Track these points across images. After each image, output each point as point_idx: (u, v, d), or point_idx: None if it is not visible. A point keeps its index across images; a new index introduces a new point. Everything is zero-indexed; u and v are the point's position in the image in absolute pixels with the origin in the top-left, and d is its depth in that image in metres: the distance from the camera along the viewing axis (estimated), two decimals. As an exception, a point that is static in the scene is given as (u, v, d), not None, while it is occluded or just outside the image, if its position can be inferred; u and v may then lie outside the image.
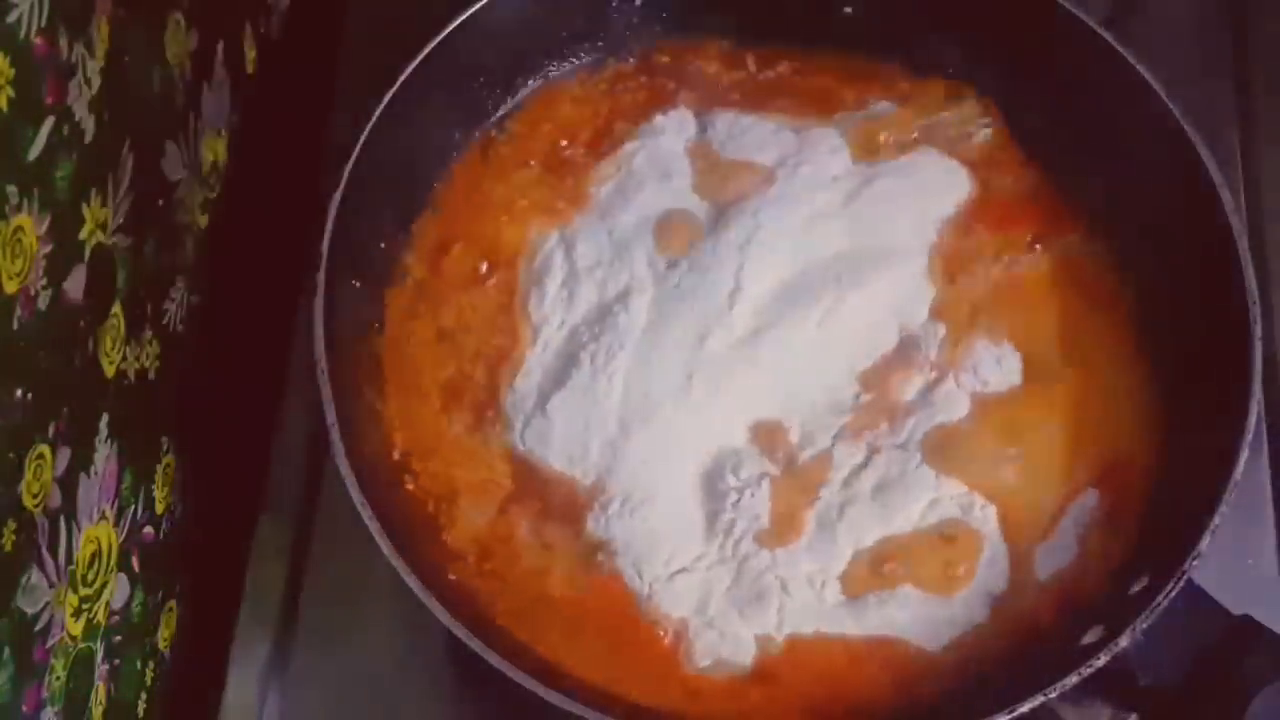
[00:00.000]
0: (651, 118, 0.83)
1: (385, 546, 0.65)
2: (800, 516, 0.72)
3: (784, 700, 0.69)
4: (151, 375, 0.74)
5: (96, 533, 0.68)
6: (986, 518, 0.72)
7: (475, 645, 0.64)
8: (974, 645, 0.70)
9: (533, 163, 0.82)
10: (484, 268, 0.79)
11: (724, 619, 0.70)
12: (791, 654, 0.70)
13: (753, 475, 0.73)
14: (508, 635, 0.69)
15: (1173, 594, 0.63)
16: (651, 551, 0.71)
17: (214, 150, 0.83)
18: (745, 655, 0.70)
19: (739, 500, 0.72)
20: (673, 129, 0.83)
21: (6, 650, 0.59)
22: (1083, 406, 0.74)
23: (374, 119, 0.74)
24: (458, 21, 0.77)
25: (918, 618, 0.70)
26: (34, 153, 0.59)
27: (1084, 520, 0.72)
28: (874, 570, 0.71)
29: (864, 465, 0.73)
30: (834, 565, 0.71)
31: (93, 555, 0.68)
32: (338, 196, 0.72)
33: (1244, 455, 0.66)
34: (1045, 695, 0.62)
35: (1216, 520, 0.65)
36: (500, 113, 0.83)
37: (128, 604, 0.73)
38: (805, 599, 0.71)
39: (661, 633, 0.70)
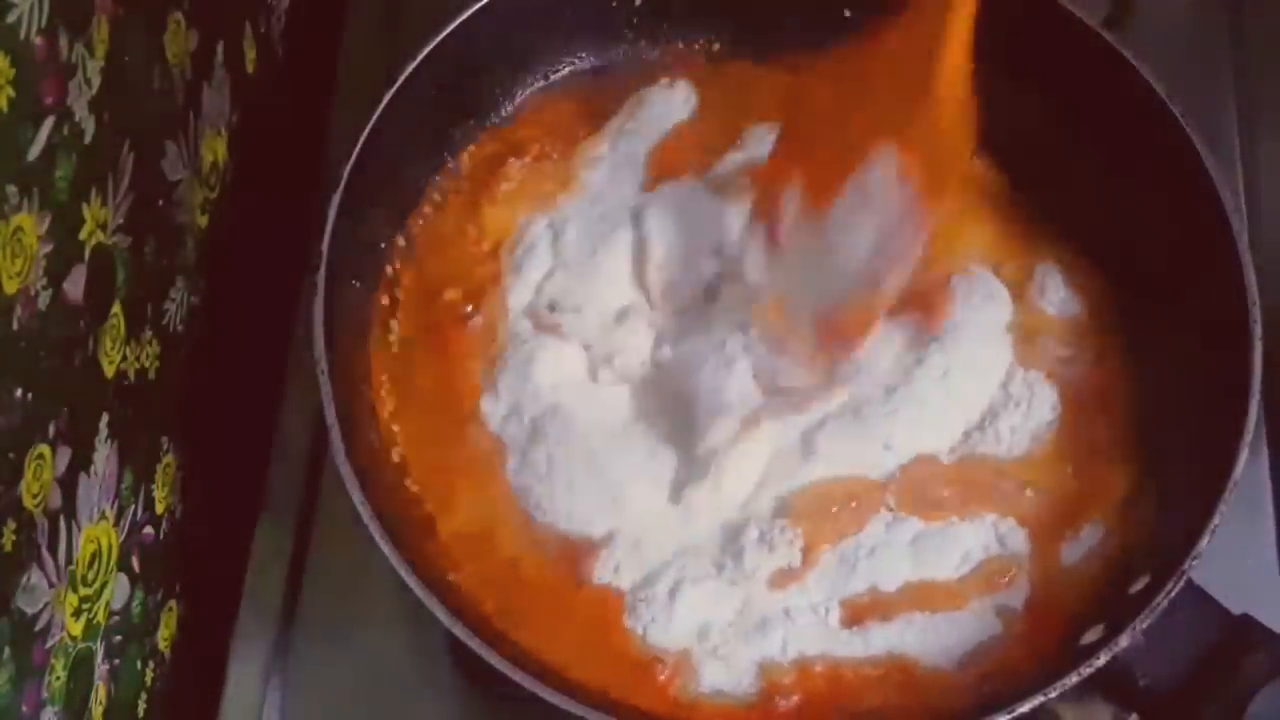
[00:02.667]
0: (641, 90, 0.83)
1: (385, 546, 0.65)
2: (825, 556, 0.70)
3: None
4: (151, 375, 0.74)
5: (96, 533, 0.68)
6: (1019, 539, 0.71)
7: (475, 645, 0.64)
8: (989, 657, 0.68)
9: (529, 158, 0.82)
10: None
11: (727, 647, 0.69)
12: (799, 676, 0.68)
13: (784, 531, 0.70)
14: (508, 635, 0.69)
15: (1173, 594, 0.63)
16: (652, 590, 0.69)
17: (214, 150, 0.83)
18: (749, 685, 0.68)
19: (767, 550, 0.70)
20: (663, 102, 0.82)
21: (6, 650, 0.59)
22: (1098, 409, 0.74)
23: (374, 119, 0.74)
24: (457, 22, 0.77)
25: (926, 636, 0.69)
26: (34, 153, 0.59)
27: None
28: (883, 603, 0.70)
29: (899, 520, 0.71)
30: (842, 595, 0.70)
31: (93, 555, 0.68)
32: (338, 196, 0.72)
33: (1244, 455, 0.66)
34: (1045, 695, 0.62)
35: (1216, 520, 0.65)
36: (500, 113, 0.84)
37: (128, 604, 0.73)
38: (810, 622, 0.69)
39: (660, 666, 0.68)
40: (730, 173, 0.79)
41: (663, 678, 0.68)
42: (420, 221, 0.80)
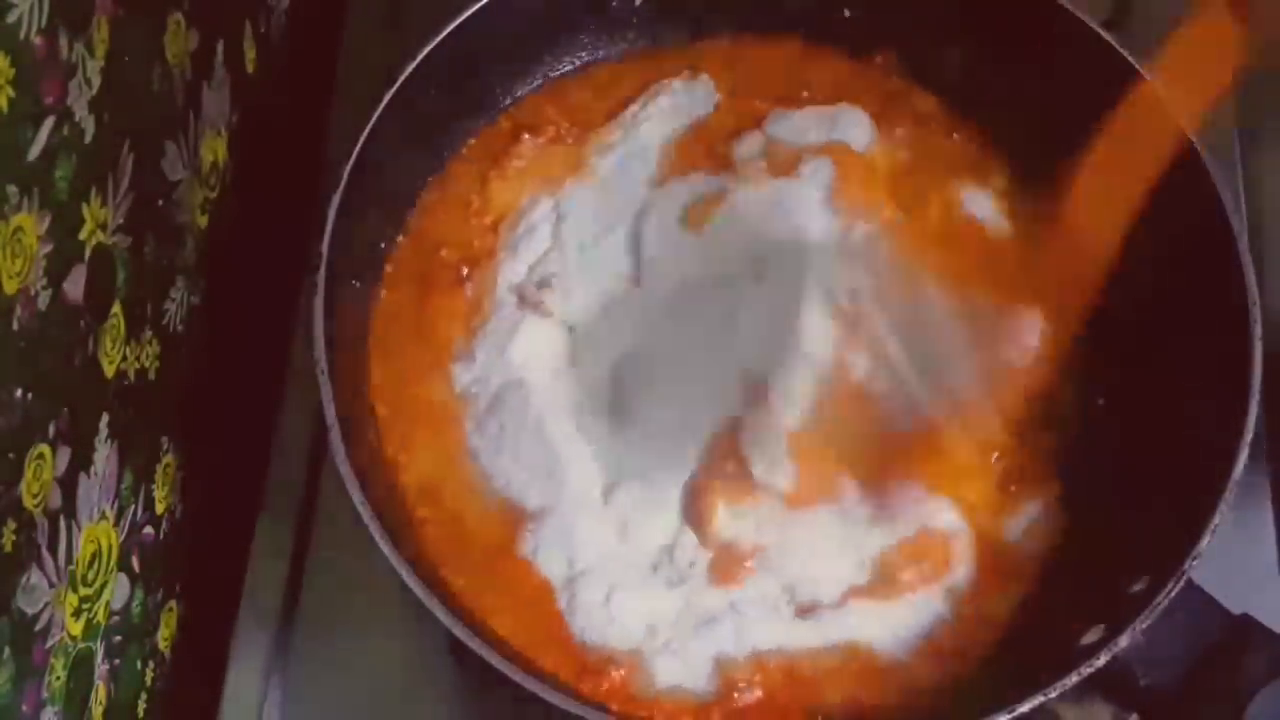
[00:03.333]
0: (661, 81, 0.83)
1: (385, 546, 0.65)
2: (750, 562, 0.70)
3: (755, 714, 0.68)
4: (151, 375, 0.74)
5: (96, 533, 0.68)
6: (953, 518, 0.71)
7: (475, 645, 0.63)
8: (943, 644, 0.69)
9: (543, 139, 0.82)
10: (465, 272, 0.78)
11: (678, 642, 0.69)
12: (755, 669, 0.68)
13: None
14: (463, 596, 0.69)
15: (1172, 594, 0.63)
16: (588, 595, 0.69)
17: (214, 150, 0.83)
18: (706, 681, 0.68)
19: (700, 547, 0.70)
20: (684, 94, 0.82)
21: (6, 650, 0.59)
22: None
23: (374, 119, 0.74)
24: (458, 21, 0.77)
25: (876, 623, 0.69)
26: (34, 153, 0.59)
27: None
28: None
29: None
30: (791, 594, 0.70)
31: (93, 555, 0.68)
32: (337, 197, 0.72)
33: (1244, 455, 0.66)
34: (1045, 695, 0.62)
35: (1216, 520, 0.65)
36: (501, 112, 0.83)
37: (128, 604, 0.73)
38: (759, 615, 0.69)
39: (613, 666, 0.68)
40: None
41: (618, 676, 0.68)
42: (421, 219, 0.80)
